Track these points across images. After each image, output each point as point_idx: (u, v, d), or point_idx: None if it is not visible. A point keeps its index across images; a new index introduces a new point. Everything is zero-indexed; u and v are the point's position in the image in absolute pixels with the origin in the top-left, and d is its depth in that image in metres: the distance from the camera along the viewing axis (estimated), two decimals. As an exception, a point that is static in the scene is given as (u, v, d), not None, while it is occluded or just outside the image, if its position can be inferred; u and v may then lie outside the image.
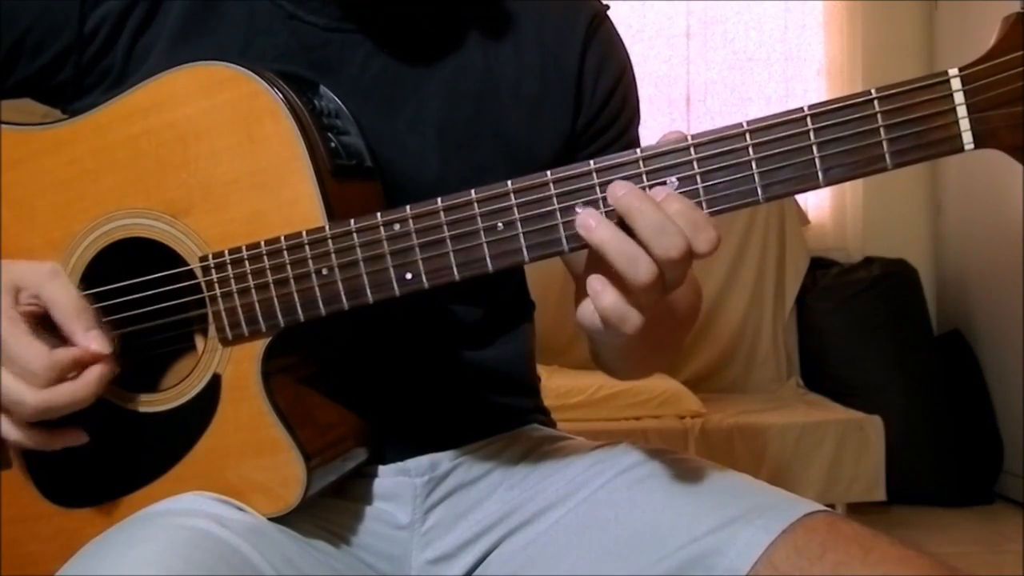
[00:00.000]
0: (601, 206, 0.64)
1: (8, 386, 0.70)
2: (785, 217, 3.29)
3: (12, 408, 0.71)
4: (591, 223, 0.62)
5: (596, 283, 0.63)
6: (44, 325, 0.73)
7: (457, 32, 0.85)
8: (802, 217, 3.38)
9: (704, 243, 0.61)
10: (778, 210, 3.27)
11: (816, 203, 3.51)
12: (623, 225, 0.62)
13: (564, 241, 0.65)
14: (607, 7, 0.91)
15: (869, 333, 3.07)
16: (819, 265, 3.33)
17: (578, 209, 0.64)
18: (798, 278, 3.27)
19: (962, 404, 3.06)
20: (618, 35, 0.91)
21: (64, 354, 0.71)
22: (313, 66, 0.81)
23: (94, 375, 0.71)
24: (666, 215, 0.61)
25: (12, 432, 0.72)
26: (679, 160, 0.63)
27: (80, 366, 0.71)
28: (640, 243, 0.61)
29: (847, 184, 3.43)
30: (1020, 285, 2.84)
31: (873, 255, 3.30)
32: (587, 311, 0.65)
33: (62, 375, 0.70)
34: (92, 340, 0.71)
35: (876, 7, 3.45)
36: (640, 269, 0.61)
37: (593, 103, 0.88)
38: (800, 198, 3.38)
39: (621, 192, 0.62)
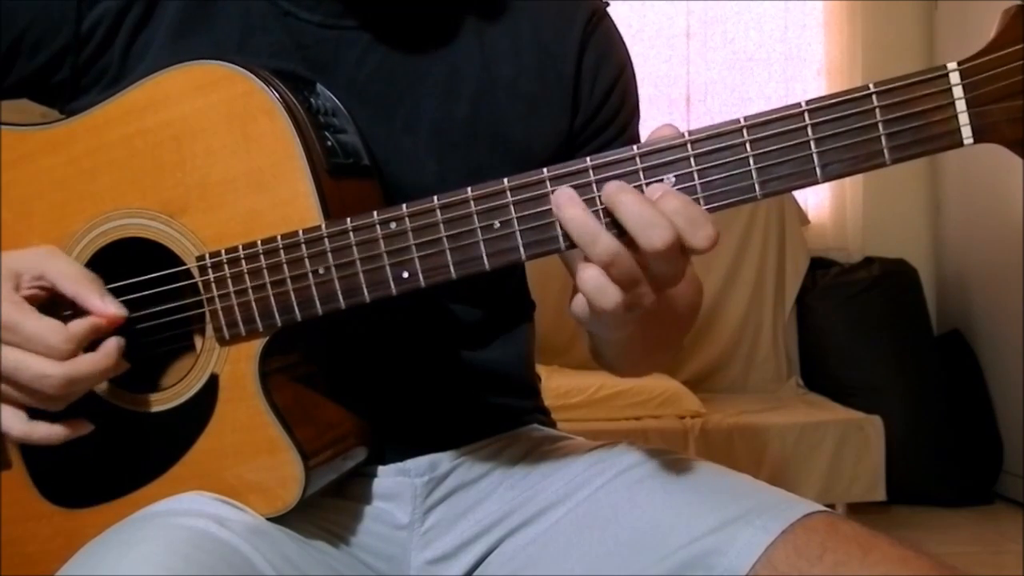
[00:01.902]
0: (597, 204, 0.63)
1: (29, 364, 0.69)
2: (785, 217, 3.29)
3: (37, 384, 0.70)
4: (561, 200, 0.63)
5: (579, 257, 0.63)
6: (48, 309, 0.72)
7: (454, 30, 0.85)
8: (802, 217, 3.37)
9: (703, 239, 0.61)
10: (778, 210, 3.27)
11: (816, 203, 3.51)
12: (614, 221, 0.62)
13: (560, 239, 0.64)
14: (607, 4, 0.90)
15: (869, 333, 3.07)
16: (819, 265, 3.33)
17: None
18: (798, 278, 3.27)
19: (962, 404, 3.05)
20: (618, 33, 0.90)
21: (81, 324, 0.71)
22: (308, 63, 0.80)
23: (112, 345, 0.71)
24: (653, 208, 0.60)
25: (15, 424, 0.72)
26: (676, 157, 0.62)
27: (97, 334, 0.71)
28: (629, 236, 0.61)
29: (847, 184, 3.43)
30: (1020, 285, 2.84)
31: (873, 255, 3.30)
32: (578, 300, 0.64)
33: (80, 346, 0.70)
34: (109, 305, 0.72)
35: (876, 7, 3.45)
36: (599, 247, 0.61)
37: (591, 102, 0.87)
38: (800, 198, 3.38)
39: (611, 189, 0.62)
